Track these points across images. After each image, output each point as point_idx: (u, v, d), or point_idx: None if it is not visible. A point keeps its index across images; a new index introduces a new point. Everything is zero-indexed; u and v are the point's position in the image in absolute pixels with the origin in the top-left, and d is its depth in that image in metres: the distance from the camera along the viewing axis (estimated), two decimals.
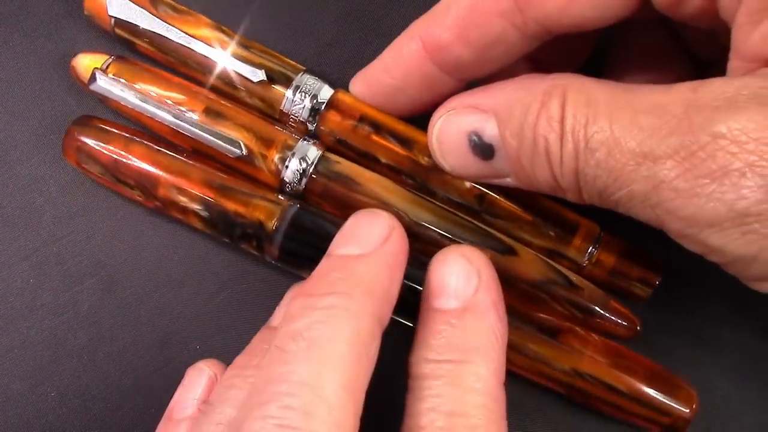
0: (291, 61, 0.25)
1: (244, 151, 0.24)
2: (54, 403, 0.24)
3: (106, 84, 0.24)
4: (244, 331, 0.25)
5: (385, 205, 0.24)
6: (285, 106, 0.25)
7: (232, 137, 0.24)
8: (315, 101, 0.24)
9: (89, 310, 0.25)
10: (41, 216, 0.26)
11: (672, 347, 0.26)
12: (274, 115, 0.25)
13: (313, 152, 0.24)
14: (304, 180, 0.24)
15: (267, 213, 0.23)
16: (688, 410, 0.23)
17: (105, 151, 0.24)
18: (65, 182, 0.26)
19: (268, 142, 0.24)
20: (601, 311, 0.24)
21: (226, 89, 0.25)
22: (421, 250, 0.23)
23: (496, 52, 0.22)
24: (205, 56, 0.25)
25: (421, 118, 0.24)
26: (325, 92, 0.25)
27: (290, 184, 0.24)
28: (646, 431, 0.24)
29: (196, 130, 0.24)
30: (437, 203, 0.24)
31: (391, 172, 0.24)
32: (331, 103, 0.25)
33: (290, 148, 0.24)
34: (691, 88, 0.18)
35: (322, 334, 0.18)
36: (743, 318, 0.26)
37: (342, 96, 0.25)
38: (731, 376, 0.26)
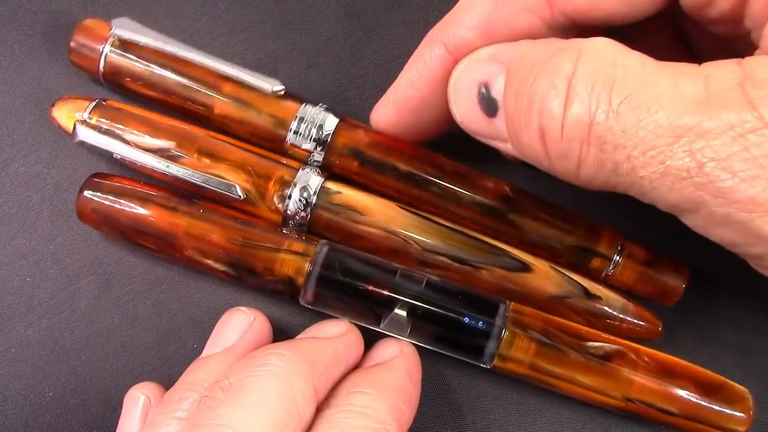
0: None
1: (242, 195, 0.23)
2: (52, 403, 0.24)
3: (90, 138, 0.23)
4: None
5: (391, 234, 0.23)
6: (290, 139, 0.24)
7: (227, 182, 0.23)
8: (321, 132, 0.24)
9: (87, 308, 0.25)
10: (38, 214, 0.25)
11: (697, 346, 0.25)
12: (283, 134, 0.24)
13: (315, 181, 0.23)
14: (308, 210, 0.23)
15: (295, 268, 0.23)
16: (744, 415, 0.22)
17: (121, 217, 0.23)
18: (61, 180, 0.26)
19: (265, 180, 0.23)
20: (621, 316, 0.24)
21: (234, 113, 0.24)
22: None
23: None
24: (214, 71, 0.24)
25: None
26: (331, 121, 0.24)
27: (294, 218, 0.23)
28: None
29: (190, 179, 0.23)
30: (446, 224, 0.24)
31: (412, 180, 0.24)
32: (339, 129, 0.24)
33: (287, 184, 0.23)
34: (735, 62, 0.17)
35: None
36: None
37: (350, 120, 0.24)
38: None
